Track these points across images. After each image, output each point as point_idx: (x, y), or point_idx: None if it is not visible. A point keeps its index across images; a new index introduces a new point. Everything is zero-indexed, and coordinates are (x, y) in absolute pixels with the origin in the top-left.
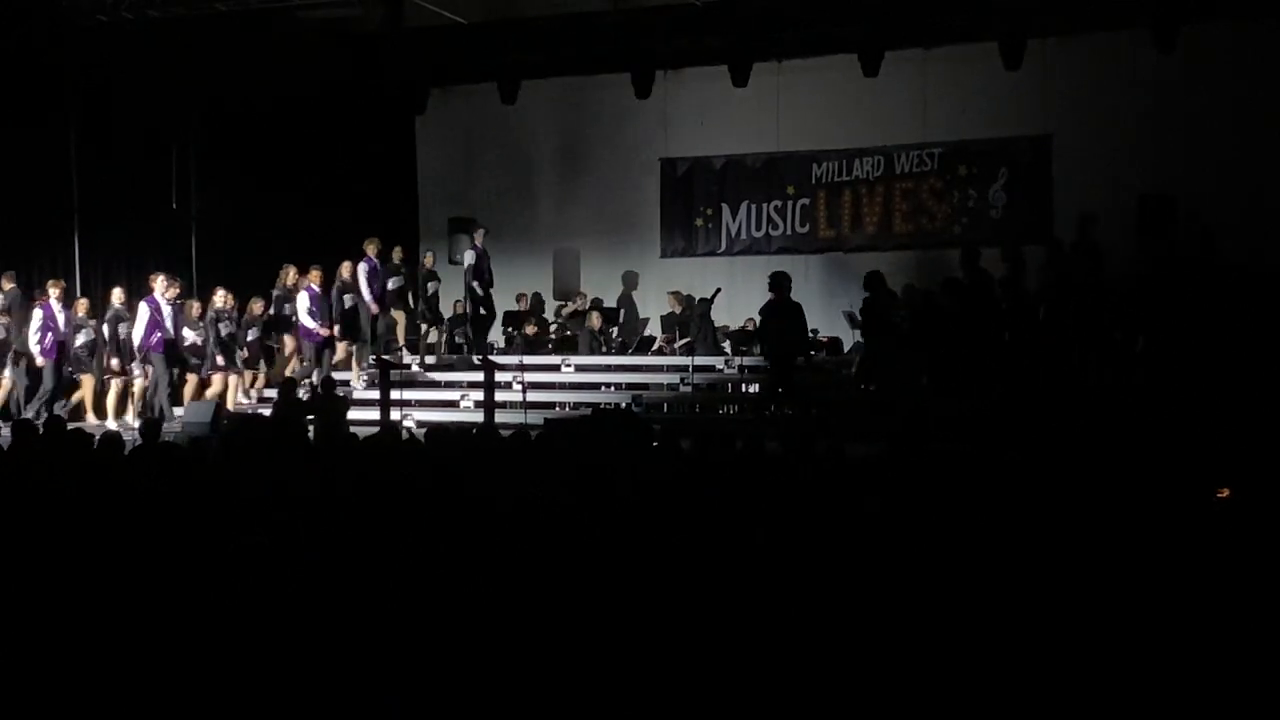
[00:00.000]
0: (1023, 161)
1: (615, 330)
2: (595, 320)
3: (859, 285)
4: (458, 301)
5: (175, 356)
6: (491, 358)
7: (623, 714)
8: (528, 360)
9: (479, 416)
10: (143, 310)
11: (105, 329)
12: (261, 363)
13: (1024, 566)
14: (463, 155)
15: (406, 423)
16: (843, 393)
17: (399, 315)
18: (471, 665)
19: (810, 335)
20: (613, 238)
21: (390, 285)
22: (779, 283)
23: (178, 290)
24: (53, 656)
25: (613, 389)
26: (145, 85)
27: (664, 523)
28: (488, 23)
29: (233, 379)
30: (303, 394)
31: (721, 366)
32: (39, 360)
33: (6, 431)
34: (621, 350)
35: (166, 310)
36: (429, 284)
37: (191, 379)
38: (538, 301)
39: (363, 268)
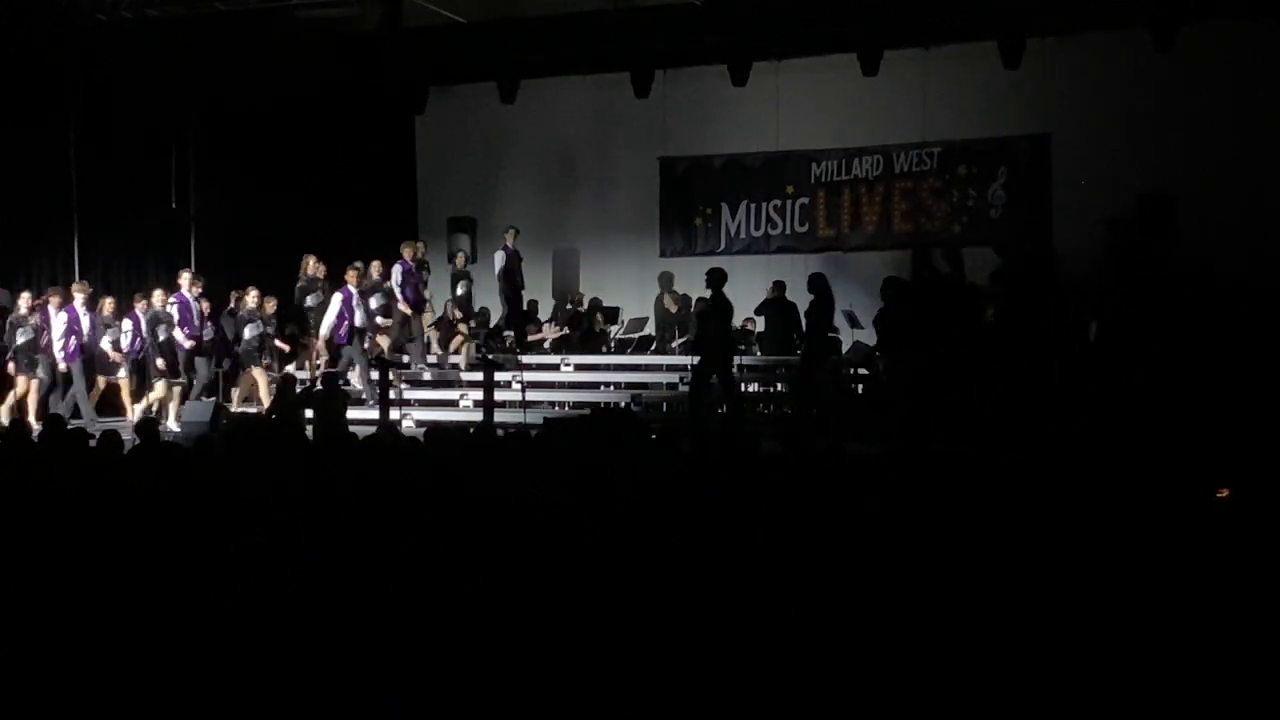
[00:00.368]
0: (1022, 161)
1: (617, 329)
2: (595, 320)
3: (859, 285)
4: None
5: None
6: (491, 357)
7: (623, 714)
8: (525, 359)
9: (478, 416)
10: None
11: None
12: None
13: (1024, 566)
14: (462, 155)
15: (406, 422)
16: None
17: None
18: (471, 665)
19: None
20: (612, 237)
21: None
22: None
23: (201, 288)
24: (52, 656)
25: (612, 389)
26: (145, 85)
27: (664, 523)
28: (487, 22)
29: (263, 378)
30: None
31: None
32: (61, 365)
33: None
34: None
35: (194, 309)
36: (459, 284)
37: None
38: (532, 305)
39: (397, 269)
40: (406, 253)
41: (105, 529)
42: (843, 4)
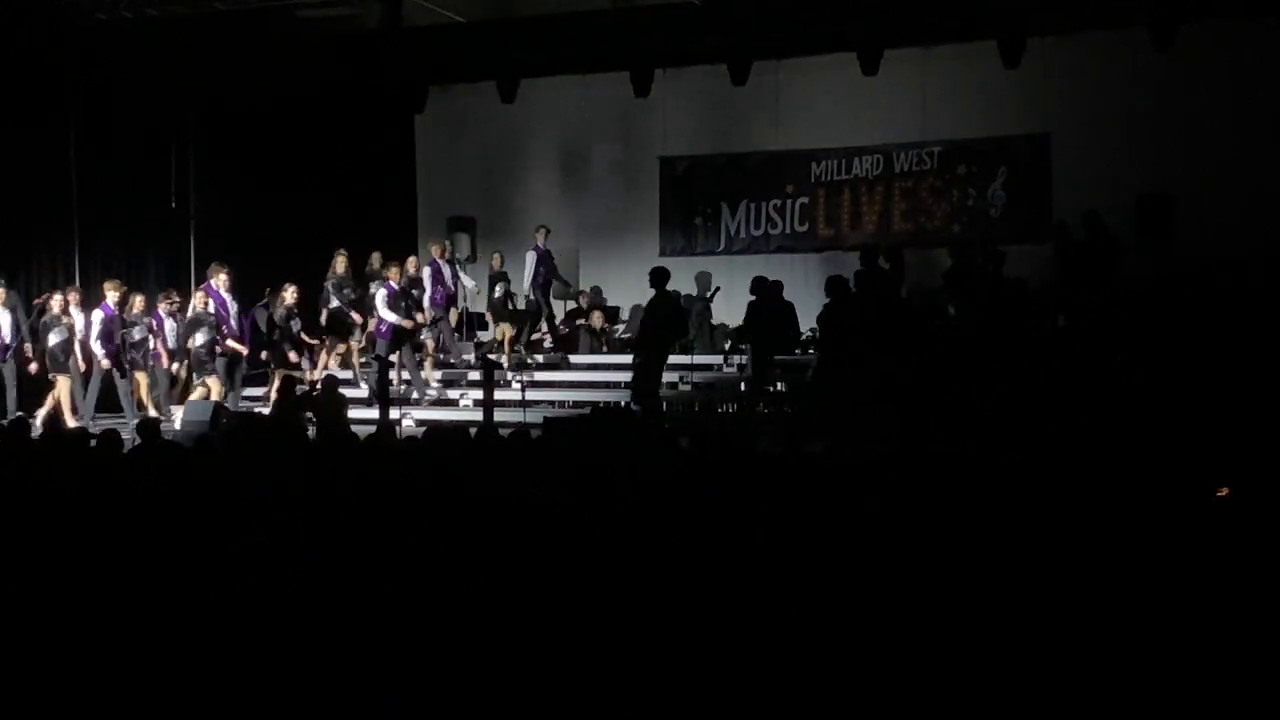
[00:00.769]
0: (1022, 161)
1: (620, 328)
2: (596, 319)
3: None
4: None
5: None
6: (491, 356)
7: (623, 714)
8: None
9: (478, 416)
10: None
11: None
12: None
13: (1024, 566)
14: (462, 154)
15: (406, 422)
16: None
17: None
18: (471, 665)
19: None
20: (612, 236)
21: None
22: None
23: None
24: (53, 657)
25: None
26: (144, 84)
27: (664, 523)
28: (487, 21)
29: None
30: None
31: (720, 365)
32: (104, 362)
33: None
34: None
35: (231, 307)
36: (497, 285)
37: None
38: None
39: (427, 268)
40: (435, 250)
41: (105, 529)
42: (842, 3)
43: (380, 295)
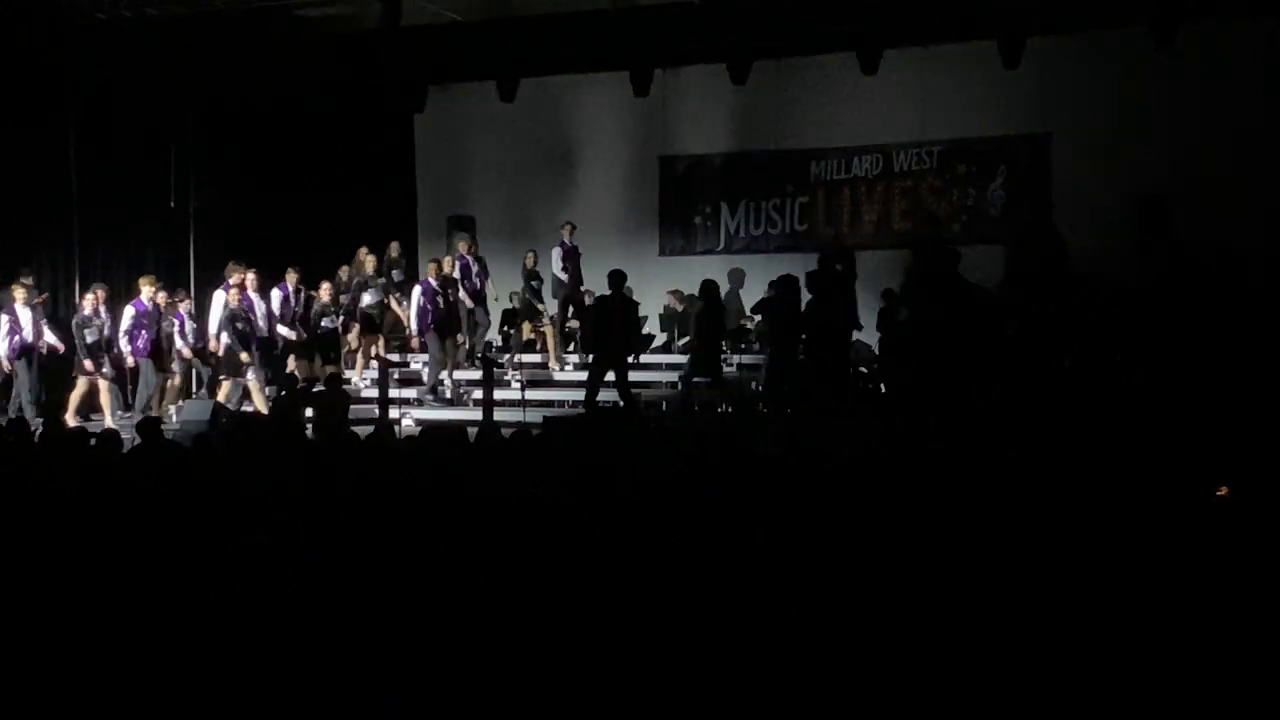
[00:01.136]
0: (1022, 160)
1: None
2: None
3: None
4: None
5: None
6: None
7: (623, 714)
8: (525, 358)
9: (478, 415)
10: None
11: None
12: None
13: (1024, 565)
14: (461, 154)
15: (405, 421)
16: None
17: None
18: (471, 665)
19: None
20: (612, 236)
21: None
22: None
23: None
24: (53, 656)
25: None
26: (144, 84)
27: (664, 523)
28: (486, 21)
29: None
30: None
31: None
32: (129, 360)
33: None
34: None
35: (264, 306)
36: (531, 284)
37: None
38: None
39: (457, 266)
40: (462, 247)
41: (105, 529)
42: (842, 3)
43: (416, 292)
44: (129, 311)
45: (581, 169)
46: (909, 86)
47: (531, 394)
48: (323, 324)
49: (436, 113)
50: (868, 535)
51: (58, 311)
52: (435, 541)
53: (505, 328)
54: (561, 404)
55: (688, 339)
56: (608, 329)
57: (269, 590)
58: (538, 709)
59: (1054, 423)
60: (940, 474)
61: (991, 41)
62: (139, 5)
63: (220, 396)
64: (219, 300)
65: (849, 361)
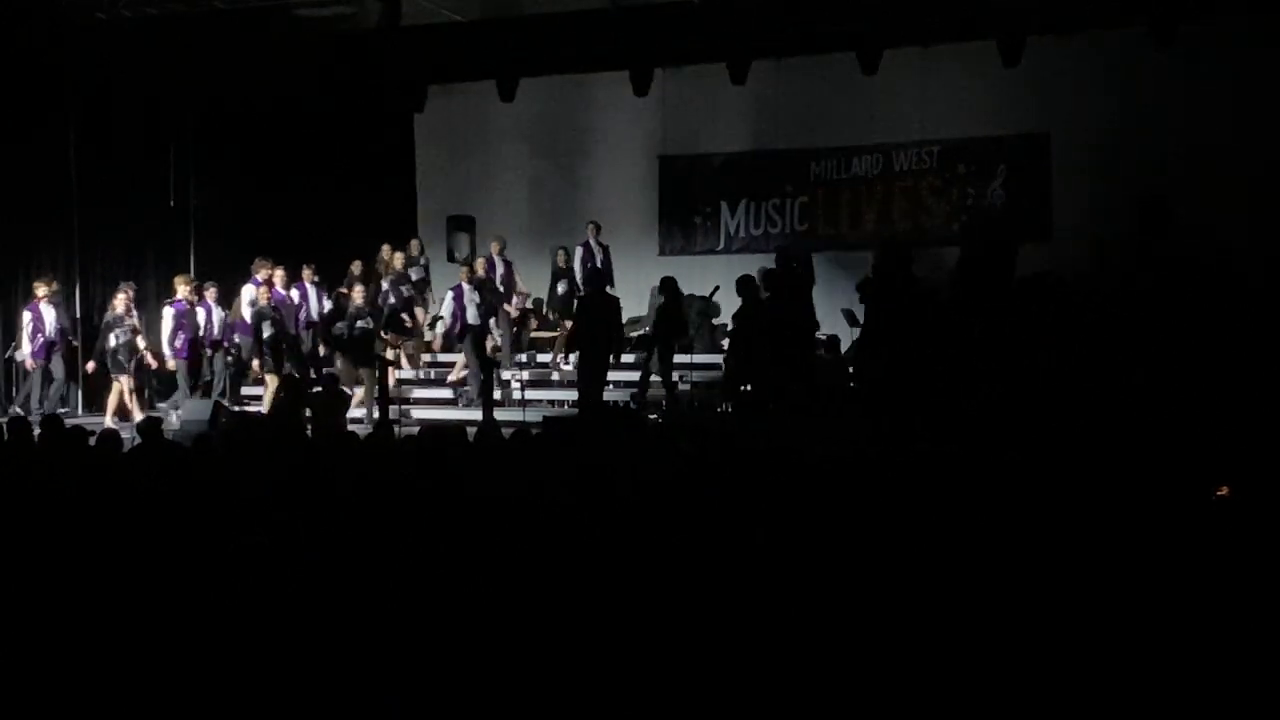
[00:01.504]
0: (1021, 160)
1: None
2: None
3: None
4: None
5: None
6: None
7: (623, 714)
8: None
9: (478, 415)
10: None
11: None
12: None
13: (1023, 565)
14: (461, 153)
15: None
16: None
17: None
18: (471, 665)
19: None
20: (611, 235)
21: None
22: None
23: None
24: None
25: (612, 387)
26: (144, 83)
27: (664, 523)
28: (486, 20)
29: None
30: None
31: (720, 364)
32: (170, 363)
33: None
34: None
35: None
36: (560, 283)
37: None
38: (537, 302)
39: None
40: (494, 247)
41: (104, 528)
42: (842, 3)
43: (448, 298)
44: (168, 313)
45: (581, 169)
46: (909, 86)
47: (538, 394)
48: (358, 325)
49: (436, 113)
50: (866, 535)
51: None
52: (435, 541)
53: (515, 329)
54: (561, 404)
55: (641, 333)
56: (589, 329)
57: (269, 590)
58: (538, 709)
59: (1050, 422)
60: (932, 474)
61: (991, 41)
62: (139, 5)
63: (266, 397)
64: (247, 295)
65: (812, 360)
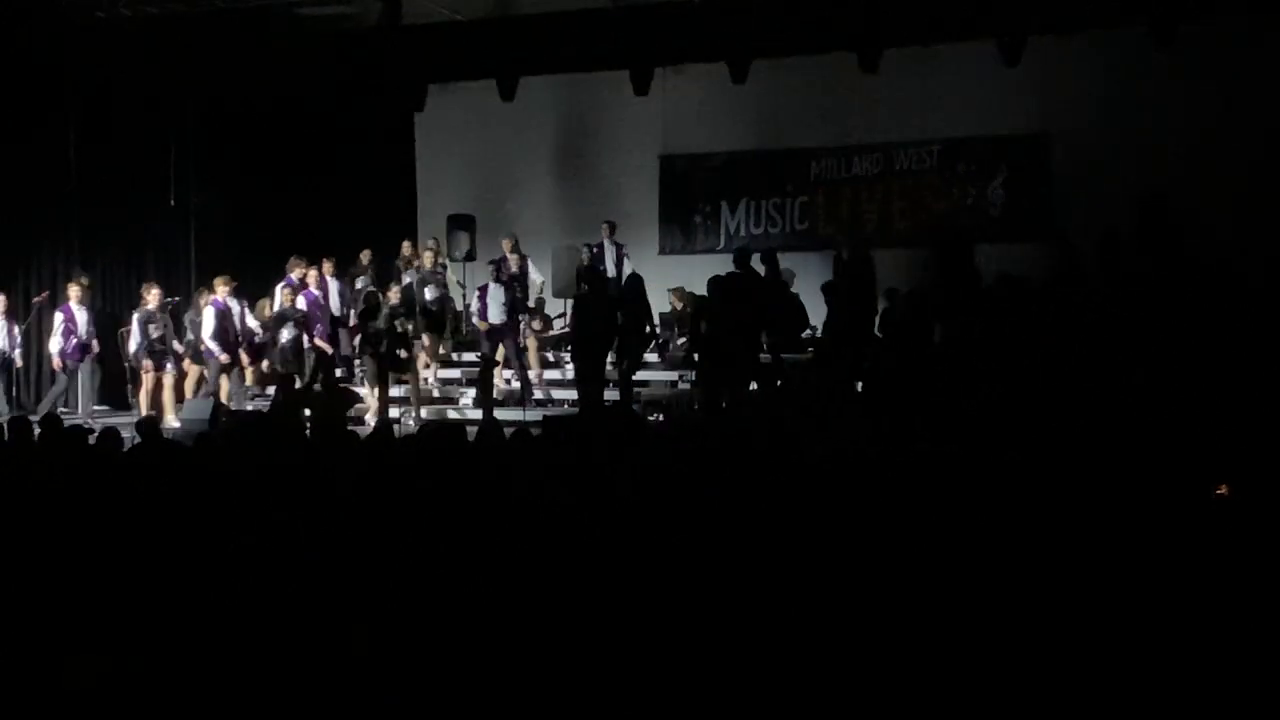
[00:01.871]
0: (1022, 160)
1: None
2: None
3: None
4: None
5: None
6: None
7: (623, 714)
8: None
9: (477, 414)
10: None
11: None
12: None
13: (1023, 564)
14: (461, 152)
15: (406, 420)
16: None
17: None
18: (471, 665)
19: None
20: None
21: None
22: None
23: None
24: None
25: (612, 386)
26: (144, 83)
27: (664, 523)
28: (487, 20)
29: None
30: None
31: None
32: (221, 358)
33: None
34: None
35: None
36: (582, 285)
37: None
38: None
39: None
40: (505, 245)
41: (103, 528)
42: (842, 3)
43: (475, 297)
44: (209, 312)
45: (582, 168)
46: (909, 86)
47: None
48: (395, 325)
49: (437, 111)
50: (866, 535)
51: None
52: (435, 541)
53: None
54: (561, 404)
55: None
56: (586, 329)
57: (269, 590)
58: (538, 709)
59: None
60: (932, 474)
61: (991, 40)
62: (139, 4)
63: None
64: (280, 295)
65: (754, 361)
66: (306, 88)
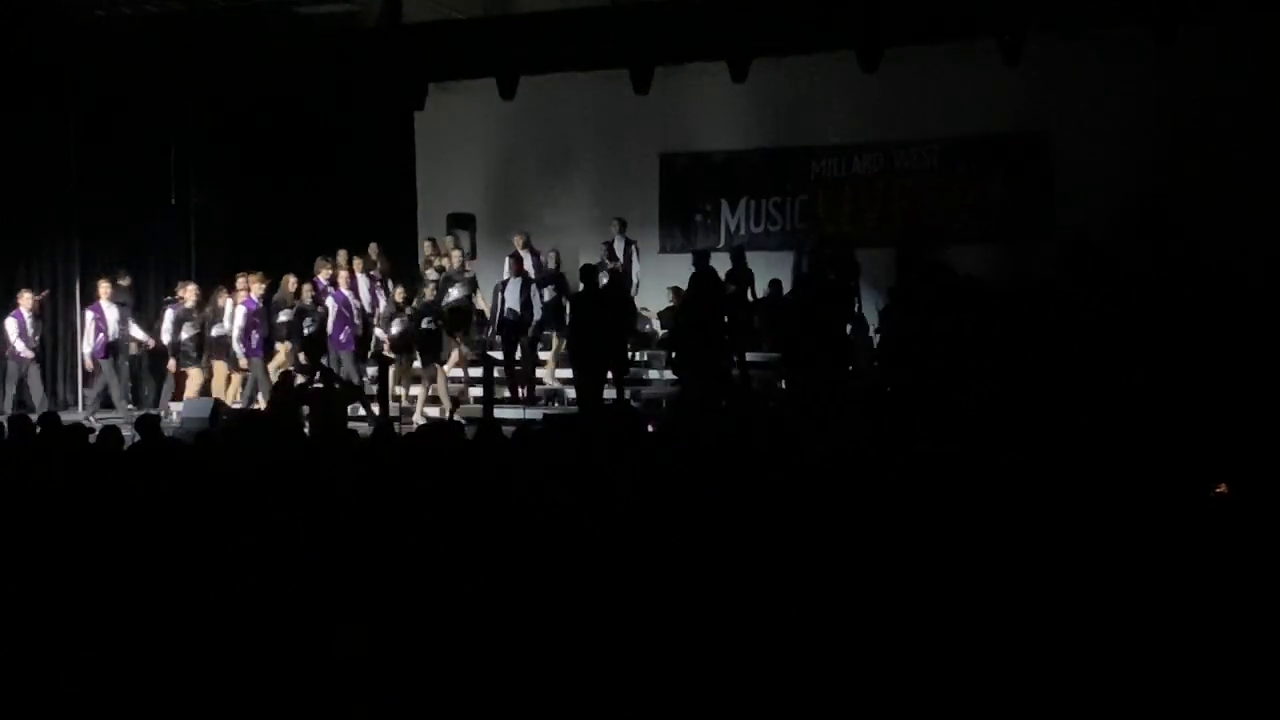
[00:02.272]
0: (1022, 159)
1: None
2: None
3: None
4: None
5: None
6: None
7: (623, 714)
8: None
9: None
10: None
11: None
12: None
13: (1023, 564)
14: (462, 151)
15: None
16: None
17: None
18: (471, 665)
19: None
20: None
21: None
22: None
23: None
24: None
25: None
26: (144, 81)
27: (664, 523)
28: (487, 19)
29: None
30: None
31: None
32: (242, 361)
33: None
34: None
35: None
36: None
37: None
38: None
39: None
40: (517, 241)
41: (103, 527)
42: (842, 2)
43: (511, 290)
44: (240, 311)
45: (582, 166)
46: (910, 85)
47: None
48: (423, 324)
49: (437, 110)
50: (866, 535)
51: (58, 308)
52: (435, 541)
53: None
54: (561, 404)
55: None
56: (582, 329)
57: (268, 589)
58: (538, 709)
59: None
60: (932, 474)
61: (991, 39)
62: (139, 4)
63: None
64: (307, 295)
65: (721, 364)
66: (306, 87)
